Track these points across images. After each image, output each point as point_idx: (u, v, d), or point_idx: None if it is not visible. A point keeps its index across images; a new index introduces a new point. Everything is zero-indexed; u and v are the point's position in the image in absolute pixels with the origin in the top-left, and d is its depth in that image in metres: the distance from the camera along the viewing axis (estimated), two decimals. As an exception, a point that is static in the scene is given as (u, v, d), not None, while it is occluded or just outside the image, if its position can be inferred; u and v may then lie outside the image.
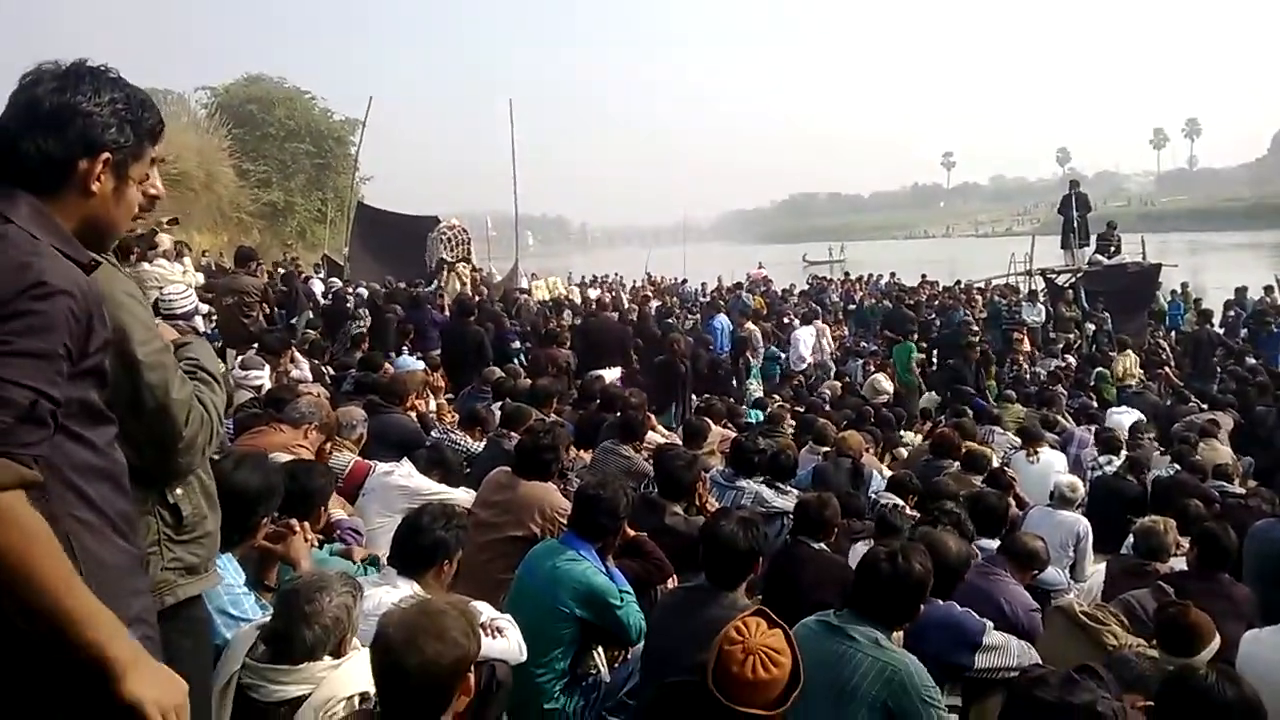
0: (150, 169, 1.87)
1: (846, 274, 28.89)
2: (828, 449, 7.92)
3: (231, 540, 2.95)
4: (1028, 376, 14.44)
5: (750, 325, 15.21)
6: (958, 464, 7.67)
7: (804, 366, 15.07)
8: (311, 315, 13.42)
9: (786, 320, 18.08)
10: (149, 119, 1.84)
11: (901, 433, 10.96)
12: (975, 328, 15.80)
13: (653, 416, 8.34)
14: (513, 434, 6.30)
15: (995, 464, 8.06)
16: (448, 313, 13.26)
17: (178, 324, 6.05)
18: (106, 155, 1.74)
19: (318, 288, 15.49)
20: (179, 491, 2.09)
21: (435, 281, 16.44)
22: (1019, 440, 9.20)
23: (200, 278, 12.09)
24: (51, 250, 1.60)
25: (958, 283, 23.66)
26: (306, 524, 3.49)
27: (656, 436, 7.77)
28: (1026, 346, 16.31)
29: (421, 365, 10.34)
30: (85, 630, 1.50)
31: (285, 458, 4.41)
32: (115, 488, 1.75)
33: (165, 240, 10.45)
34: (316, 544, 3.78)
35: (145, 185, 1.86)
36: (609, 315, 13.61)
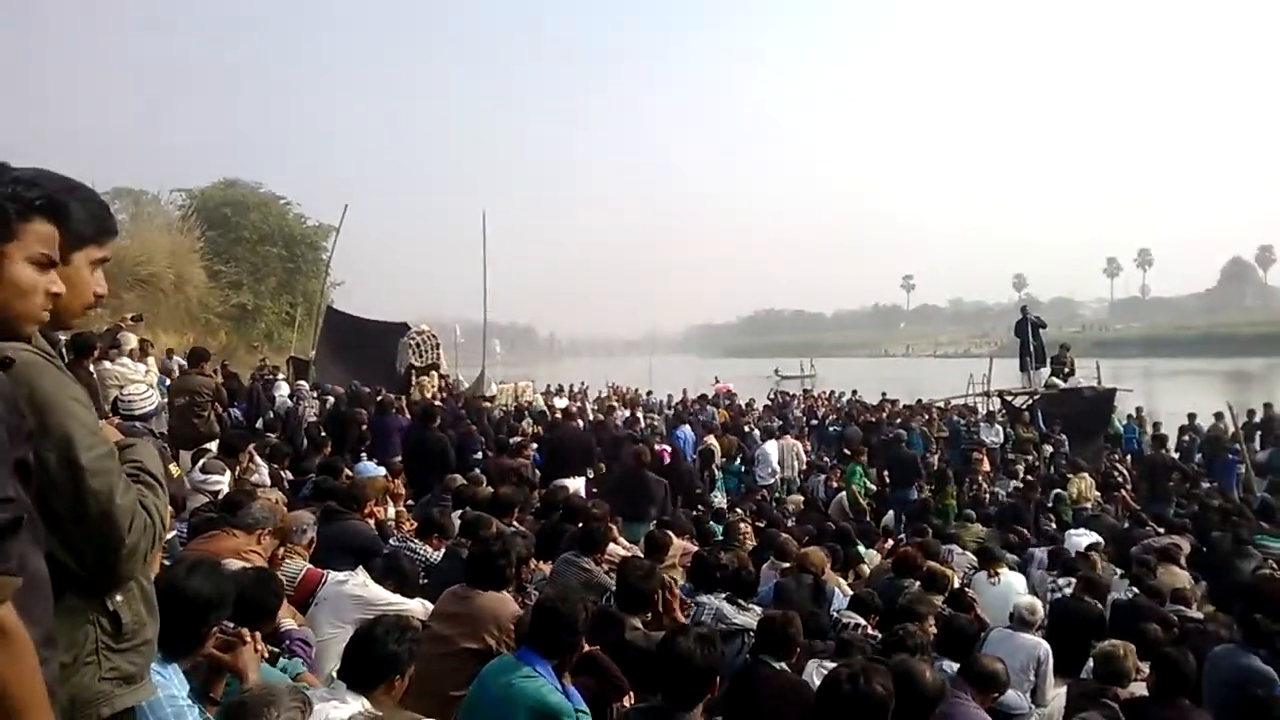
0: (61, 252, 1.80)
1: (807, 390, 29.16)
2: (788, 565, 7.88)
3: (179, 649, 2.87)
4: (986, 497, 14.53)
5: (711, 438, 15.26)
6: (919, 583, 7.66)
7: (771, 481, 15.09)
8: (273, 417, 13.32)
9: (748, 430, 18.18)
10: (31, 194, 1.76)
11: (861, 549, 10.95)
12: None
13: (614, 528, 8.27)
14: (470, 542, 6.23)
15: (956, 584, 8.07)
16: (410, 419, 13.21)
17: (134, 426, 6.00)
18: None
19: (283, 390, 15.35)
20: (119, 598, 2.02)
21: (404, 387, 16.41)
22: (977, 560, 9.23)
23: (160, 377, 12.00)
24: None
25: (918, 401, 23.93)
26: (258, 634, 3.41)
27: (618, 549, 7.70)
28: (986, 467, 16.47)
29: (382, 471, 10.24)
30: None
31: (237, 564, 4.34)
32: (48, 600, 1.72)
33: (130, 339, 10.40)
34: (266, 655, 3.68)
35: (64, 274, 1.80)
36: (573, 424, 13.58)
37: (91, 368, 8.29)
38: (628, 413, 21.03)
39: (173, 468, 6.46)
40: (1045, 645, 6.51)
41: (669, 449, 13.32)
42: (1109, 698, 5.07)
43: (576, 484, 10.98)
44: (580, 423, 15.80)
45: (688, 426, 16.27)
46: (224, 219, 34.17)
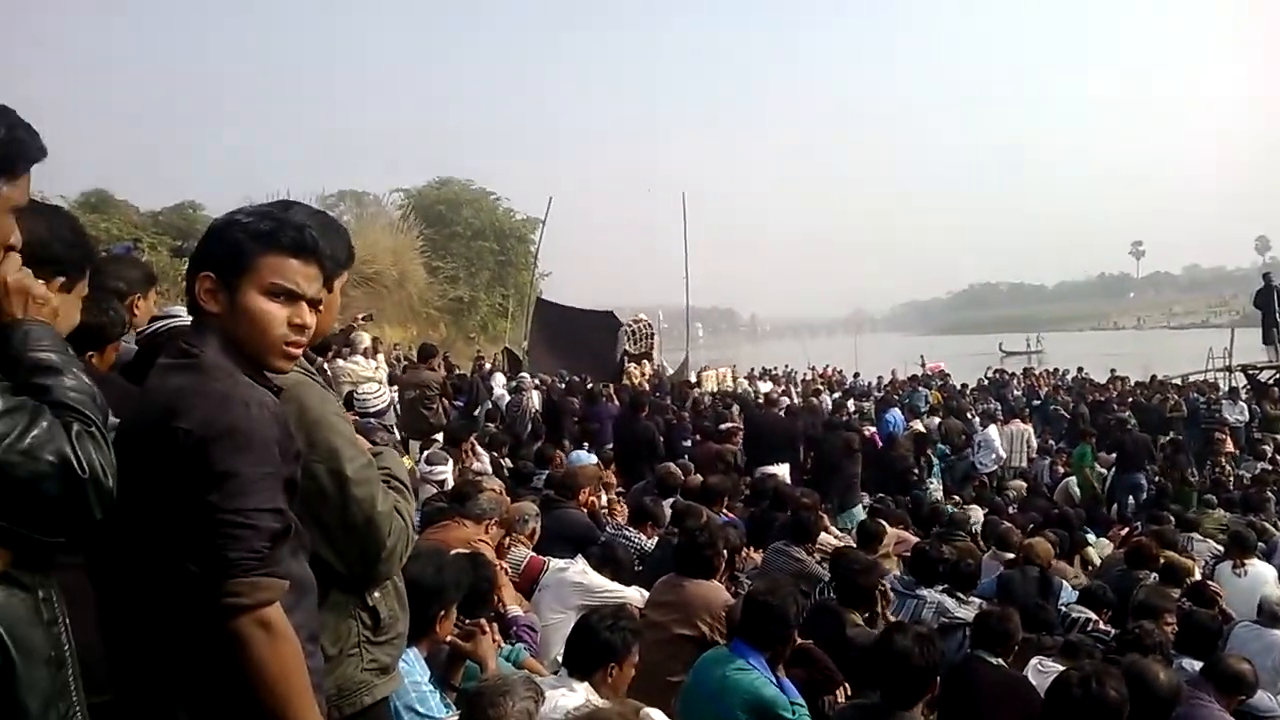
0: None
1: (1028, 368, 27.74)
2: (1012, 555, 7.58)
3: (412, 635, 3.08)
4: (1230, 480, 13.42)
5: (917, 423, 14.77)
6: (1155, 575, 7.20)
7: (994, 468, 14.46)
8: (491, 407, 13.93)
9: (970, 416, 17.51)
10: (270, 228, 1.85)
11: (1091, 538, 10.38)
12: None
13: (825, 517, 8.20)
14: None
15: (1197, 576, 7.53)
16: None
17: (370, 422, 6.42)
18: None
19: (499, 381, 16.02)
20: (376, 595, 2.20)
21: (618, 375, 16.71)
22: (1220, 549, 8.57)
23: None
24: (245, 378, 1.78)
25: (1153, 378, 22.37)
26: (494, 624, 3.61)
27: (829, 538, 7.64)
28: (1229, 447, 15.26)
29: (595, 460, 10.53)
30: None
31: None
32: (312, 600, 1.91)
33: (364, 338, 11.10)
34: (500, 644, 3.89)
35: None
36: (774, 410, 13.49)
37: (325, 366, 8.92)
38: (835, 396, 20.71)
39: (406, 460, 6.88)
40: (1298, 643, 5.98)
41: (876, 434, 13.06)
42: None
43: (780, 471, 10.91)
44: (782, 408, 15.64)
45: (897, 410, 15.83)
46: (439, 216, 35.76)
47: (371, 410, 7.07)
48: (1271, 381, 18.40)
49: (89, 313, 2.21)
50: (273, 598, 1.67)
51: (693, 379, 21.05)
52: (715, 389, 19.93)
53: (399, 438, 9.06)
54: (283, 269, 1.83)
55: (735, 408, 15.84)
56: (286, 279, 1.83)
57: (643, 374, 16.57)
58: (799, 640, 4.64)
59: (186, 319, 2.46)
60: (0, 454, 1.37)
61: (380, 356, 11.52)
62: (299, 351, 1.92)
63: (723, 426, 12.52)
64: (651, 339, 18.56)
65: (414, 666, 3.06)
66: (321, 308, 1.99)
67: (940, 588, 6.07)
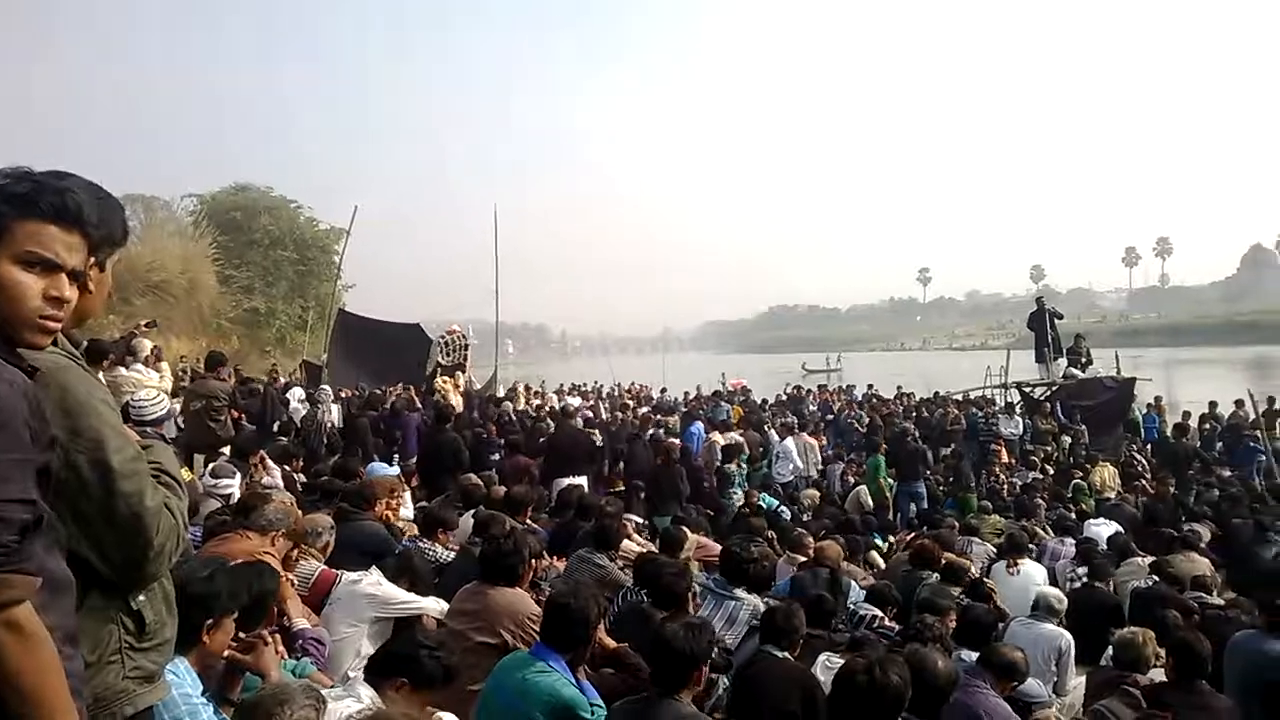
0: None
1: (822, 385, 29.04)
2: (804, 559, 7.85)
3: (180, 644, 2.87)
4: (1004, 488, 14.45)
5: (716, 435, 15.13)
6: (937, 575, 7.62)
7: (790, 478, 14.99)
8: (287, 420, 13.35)
9: (768, 429, 18.10)
10: (29, 193, 1.69)
11: (876, 540, 10.92)
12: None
13: (628, 525, 8.26)
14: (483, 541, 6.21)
15: (974, 575, 8.02)
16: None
17: (145, 430, 6.00)
18: None
19: (296, 395, 15.38)
20: (141, 598, 2.03)
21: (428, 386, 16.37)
22: (995, 552, 9.19)
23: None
24: None
25: (935, 394, 23.80)
26: (278, 635, 3.41)
27: (632, 545, 7.69)
28: (1004, 458, 16.40)
29: (395, 471, 10.25)
30: None
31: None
32: (69, 600, 1.74)
33: (145, 345, 10.43)
34: (284, 658, 3.68)
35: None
36: (573, 424, 13.56)
37: (101, 376, 8.32)
38: (642, 410, 20.98)
39: (185, 472, 6.47)
40: (1067, 636, 6.46)
41: (678, 445, 13.32)
42: (1129, 684, 5.03)
43: (579, 483, 10.97)
44: (582, 422, 15.73)
45: (699, 423, 16.18)
46: (235, 223, 34.27)
47: (148, 419, 6.58)
48: (1043, 398, 19.80)
49: None
50: (22, 596, 1.51)
51: (501, 393, 20.87)
52: (529, 404, 19.75)
53: (176, 450, 8.54)
54: (39, 236, 1.66)
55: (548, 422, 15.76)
56: (44, 247, 1.66)
57: (455, 386, 16.23)
58: (614, 644, 4.64)
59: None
60: None
61: (164, 365, 10.84)
62: (56, 326, 1.73)
63: (514, 439, 12.50)
64: (465, 350, 18.28)
65: (184, 678, 2.84)
66: (91, 287, 1.83)
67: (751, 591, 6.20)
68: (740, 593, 6.05)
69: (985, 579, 8.14)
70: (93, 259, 1.89)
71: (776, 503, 12.54)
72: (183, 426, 9.80)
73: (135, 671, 2.02)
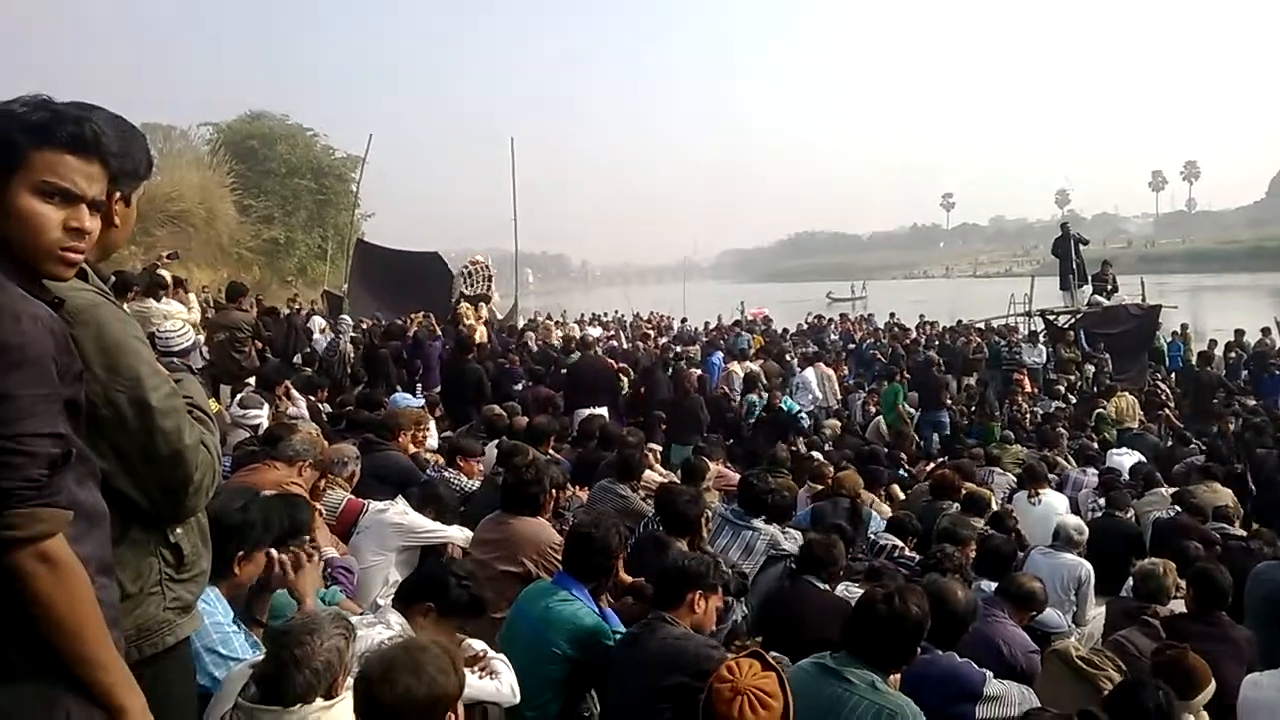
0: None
1: (844, 314, 28.85)
2: (822, 488, 7.88)
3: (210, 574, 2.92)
4: (1027, 418, 14.39)
5: (735, 365, 15.11)
6: (957, 505, 7.64)
7: (810, 408, 14.99)
8: (310, 351, 13.42)
9: (789, 359, 18.04)
10: (48, 122, 1.66)
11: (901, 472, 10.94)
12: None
13: (650, 455, 8.31)
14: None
15: (995, 505, 8.04)
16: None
17: (173, 362, 6.05)
18: None
19: (318, 325, 15.42)
20: (179, 531, 2.07)
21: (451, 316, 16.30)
22: (1016, 482, 9.19)
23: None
24: (16, 289, 1.58)
25: (958, 322, 23.66)
26: (319, 559, 3.45)
27: (654, 475, 7.74)
28: (1027, 387, 16.33)
29: (420, 402, 10.31)
30: (105, 675, 1.62)
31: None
32: (104, 531, 1.76)
33: (167, 276, 10.45)
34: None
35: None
36: (593, 354, 13.56)
37: (127, 307, 8.36)
38: (662, 340, 20.97)
39: (213, 403, 6.53)
40: (1087, 565, 6.47)
41: (697, 375, 13.35)
42: (1148, 615, 5.05)
43: (599, 413, 11.02)
44: (601, 350, 15.71)
45: (720, 353, 16.15)
46: (252, 152, 34.16)
47: (174, 349, 6.66)
48: (1067, 325, 19.59)
49: None
50: (53, 529, 1.53)
51: (521, 323, 20.85)
52: (554, 336, 19.56)
53: (203, 380, 8.60)
54: (58, 166, 1.63)
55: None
56: (62, 177, 1.64)
57: (478, 316, 16.15)
58: (632, 578, 4.68)
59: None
60: None
61: (191, 297, 10.86)
62: (78, 258, 1.71)
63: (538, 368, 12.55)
64: (489, 281, 18.18)
65: (215, 607, 2.90)
66: (116, 220, 1.83)
67: (767, 520, 6.25)
68: (757, 523, 6.08)
69: (1007, 508, 8.17)
70: (117, 192, 1.88)
71: (798, 407, 12.57)
72: (207, 357, 9.85)
73: (175, 602, 2.07)
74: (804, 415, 12.77)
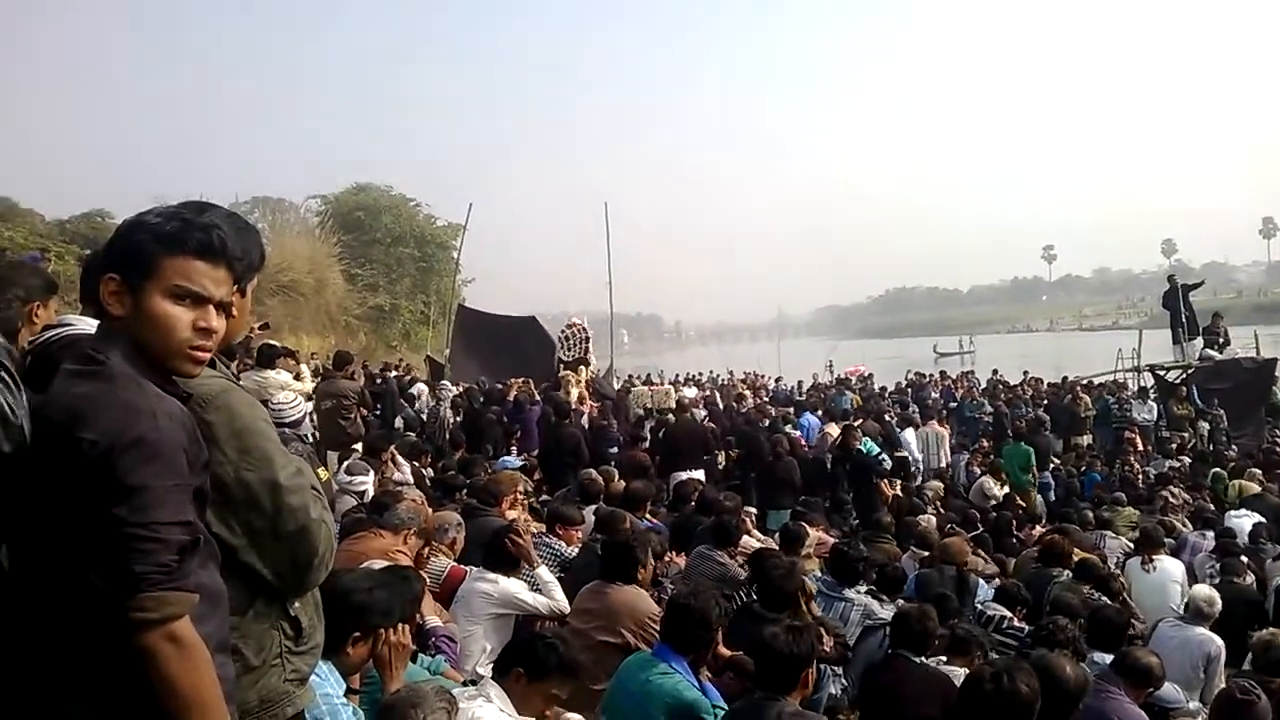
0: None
1: (943, 372, 28.23)
2: (928, 554, 7.72)
3: (328, 649, 3.00)
4: (1139, 478, 13.86)
5: (833, 427, 14.84)
6: (1069, 573, 7.40)
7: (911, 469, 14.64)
8: (412, 416, 13.77)
9: (889, 418, 17.74)
10: (177, 230, 1.81)
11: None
12: None
13: (748, 520, 8.26)
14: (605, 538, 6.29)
15: (1107, 571, 7.74)
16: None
17: (285, 433, 6.27)
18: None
19: (421, 389, 15.82)
20: (298, 605, 2.16)
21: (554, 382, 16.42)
22: (1129, 546, 8.85)
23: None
24: (152, 386, 1.72)
25: (1064, 379, 22.98)
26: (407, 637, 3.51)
27: (752, 541, 7.69)
28: (1139, 446, 15.77)
29: (520, 463, 10.43)
30: None
31: (381, 564, 4.49)
32: (223, 611, 1.86)
33: (275, 347, 10.83)
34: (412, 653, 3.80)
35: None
36: (688, 416, 13.53)
37: (244, 380, 8.66)
38: (756, 402, 20.81)
39: (321, 471, 6.73)
40: (1218, 641, 6.14)
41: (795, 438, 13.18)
42: (1273, 690, 4.79)
43: (696, 476, 10.98)
44: (700, 413, 15.67)
45: (809, 414, 15.89)
46: (358, 222, 35.32)
47: (286, 421, 6.89)
48: (1178, 381, 18.94)
49: None
50: (181, 612, 1.64)
51: (617, 385, 20.93)
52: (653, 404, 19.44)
53: (312, 449, 8.86)
54: (188, 271, 1.77)
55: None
56: (192, 281, 1.78)
57: (578, 380, 16.25)
58: (730, 651, 4.65)
59: (81, 329, 2.38)
60: None
61: (304, 368, 11.25)
62: (206, 356, 1.85)
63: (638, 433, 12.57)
64: (586, 343, 18.36)
65: (327, 679, 2.98)
66: (234, 312, 1.93)
67: (864, 588, 6.15)
68: (850, 593, 6.00)
69: (1118, 575, 7.87)
70: (236, 286, 2.02)
71: (877, 449, 12.28)
72: (315, 425, 10.16)
73: (293, 674, 2.14)
74: (884, 457, 12.40)
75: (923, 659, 4.81)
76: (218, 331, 1.84)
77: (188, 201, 1.90)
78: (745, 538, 7.44)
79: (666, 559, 6.60)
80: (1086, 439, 16.85)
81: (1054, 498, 13.37)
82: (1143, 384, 20.20)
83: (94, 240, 25.34)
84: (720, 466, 13.13)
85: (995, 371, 26.53)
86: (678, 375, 29.00)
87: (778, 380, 28.25)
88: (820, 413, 16.87)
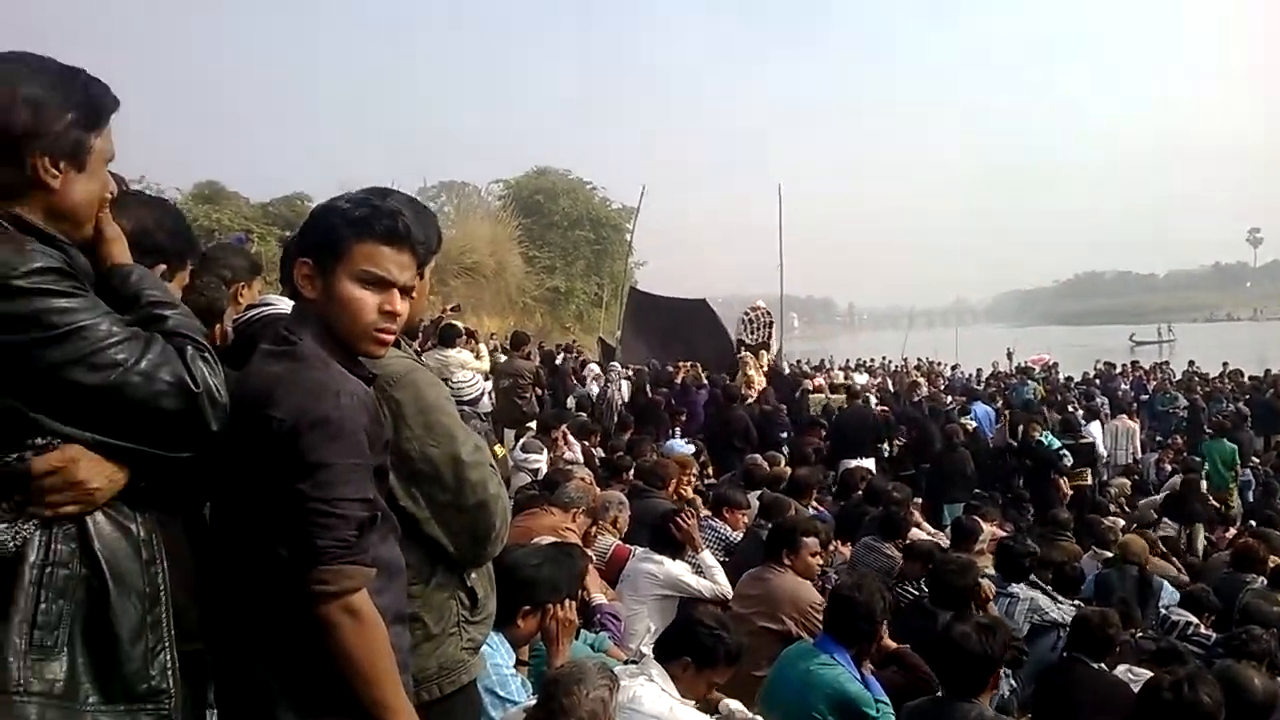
0: None
1: (1135, 362, 26.65)
2: (1111, 554, 7.37)
3: (499, 621, 3.13)
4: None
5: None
6: (1263, 579, 6.91)
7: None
8: (584, 395, 14.04)
9: (1072, 410, 16.89)
10: (367, 216, 1.88)
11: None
12: None
13: (916, 512, 8.08)
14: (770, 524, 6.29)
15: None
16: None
17: (464, 409, 6.55)
18: None
19: (593, 371, 16.11)
20: (474, 575, 2.27)
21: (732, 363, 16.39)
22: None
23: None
24: (338, 366, 1.81)
25: (1266, 372, 21.32)
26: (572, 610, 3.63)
27: (921, 534, 7.52)
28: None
29: (691, 449, 10.51)
30: (396, 718, 1.77)
31: (551, 540, 4.64)
32: (401, 583, 1.96)
33: (460, 327, 11.29)
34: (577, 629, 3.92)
35: None
36: (860, 403, 13.23)
37: (427, 358, 9.06)
38: (926, 390, 20.20)
39: (499, 449, 7.00)
40: None
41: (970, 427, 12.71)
42: None
43: (866, 465, 10.78)
44: (874, 399, 15.31)
45: (980, 404, 15.19)
46: (537, 206, 36.20)
47: (465, 399, 7.22)
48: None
49: (194, 295, 2.32)
50: (359, 585, 1.71)
51: (786, 369, 20.71)
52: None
53: (490, 426, 9.22)
54: (375, 256, 1.84)
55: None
56: (379, 266, 1.84)
57: (759, 365, 16.12)
58: (895, 644, 4.59)
59: (281, 308, 2.54)
60: (120, 376, 1.54)
61: (483, 347, 11.67)
62: (391, 338, 1.92)
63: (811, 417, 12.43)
64: (770, 327, 18.20)
65: (498, 649, 3.12)
66: (414, 294, 2.00)
67: (1031, 585, 5.93)
68: (1016, 589, 5.80)
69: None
70: (418, 270, 2.13)
71: (1059, 444, 11.71)
72: (494, 402, 10.54)
73: (469, 643, 2.26)
74: (1065, 452, 11.78)
75: (1101, 665, 4.61)
76: (402, 315, 1.91)
77: (372, 187, 1.97)
78: (914, 530, 7.30)
79: (831, 548, 6.54)
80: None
81: (1251, 499, 12.45)
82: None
83: (294, 222, 26.92)
84: (891, 455, 12.84)
85: (1191, 363, 24.87)
86: (848, 360, 28.53)
87: (954, 368, 27.36)
88: (1000, 403, 16.20)
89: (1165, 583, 7.04)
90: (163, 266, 2.07)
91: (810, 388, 16.39)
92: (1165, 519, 10.49)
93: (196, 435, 1.64)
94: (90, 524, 1.56)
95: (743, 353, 16.53)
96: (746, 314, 18.40)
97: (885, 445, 12.71)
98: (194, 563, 1.77)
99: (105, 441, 1.56)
